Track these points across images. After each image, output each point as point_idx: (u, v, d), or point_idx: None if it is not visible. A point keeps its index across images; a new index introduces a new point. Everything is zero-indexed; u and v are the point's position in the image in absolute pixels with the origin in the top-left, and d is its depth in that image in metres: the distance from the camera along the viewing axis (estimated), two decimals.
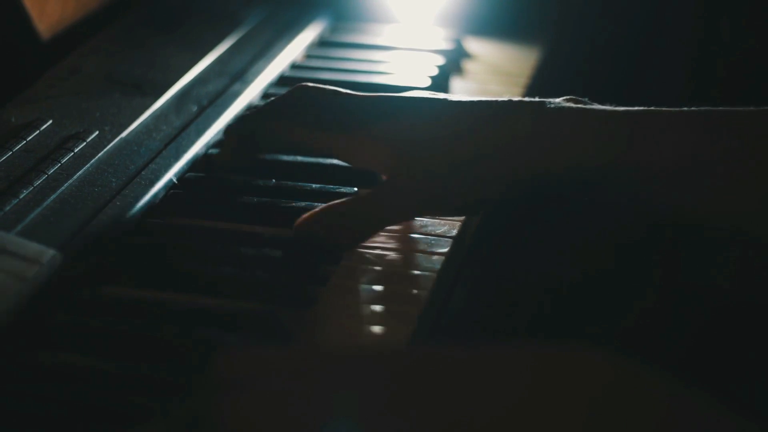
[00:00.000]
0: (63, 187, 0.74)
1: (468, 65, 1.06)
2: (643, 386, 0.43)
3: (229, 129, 0.78)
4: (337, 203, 0.73)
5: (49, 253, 0.65)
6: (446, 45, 1.04)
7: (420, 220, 0.77)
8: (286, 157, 0.82)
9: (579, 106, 0.71)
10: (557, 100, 0.72)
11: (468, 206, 0.73)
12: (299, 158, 0.82)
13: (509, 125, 0.70)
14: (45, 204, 0.71)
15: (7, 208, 0.70)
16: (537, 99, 0.72)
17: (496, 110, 0.72)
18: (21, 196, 0.71)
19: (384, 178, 0.74)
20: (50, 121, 0.81)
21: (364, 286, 0.69)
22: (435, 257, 0.73)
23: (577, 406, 0.42)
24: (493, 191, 0.70)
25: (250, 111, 0.77)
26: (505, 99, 0.72)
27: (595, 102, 0.73)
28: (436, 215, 0.76)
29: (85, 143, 0.79)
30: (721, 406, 0.42)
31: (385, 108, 0.74)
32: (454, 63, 1.04)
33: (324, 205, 0.73)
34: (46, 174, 0.74)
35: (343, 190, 0.78)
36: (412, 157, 0.71)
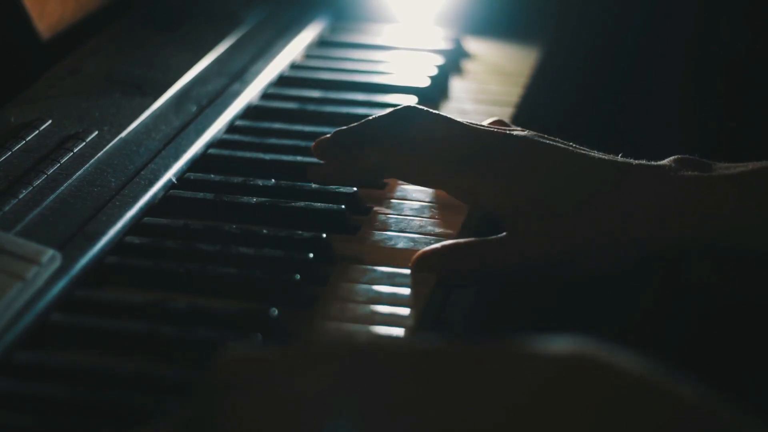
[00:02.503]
0: (62, 187, 0.74)
1: (467, 65, 1.05)
2: (646, 387, 0.43)
3: (333, 146, 0.77)
4: (461, 242, 0.72)
5: (48, 253, 0.65)
6: (446, 45, 1.04)
7: (419, 220, 0.77)
8: (285, 157, 0.82)
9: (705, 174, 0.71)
10: (669, 163, 0.72)
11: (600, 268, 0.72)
12: (299, 158, 0.82)
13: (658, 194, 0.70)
14: (44, 204, 0.71)
15: (7, 208, 0.70)
16: (646, 162, 0.72)
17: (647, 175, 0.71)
18: (20, 196, 0.71)
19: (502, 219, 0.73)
20: (50, 121, 0.81)
21: (364, 286, 0.69)
22: None
23: (581, 407, 0.42)
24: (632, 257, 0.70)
25: (358, 131, 0.76)
26: (637, 163, 0.72)
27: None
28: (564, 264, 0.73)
29: (84, 143, 0.79)
30: (722, 406, 0.42)
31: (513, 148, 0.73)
32: (453, 63, 1.04)
33: (442, 243, 0.72)
34: (46, 174, 0.74)
35: (343, 190, 0.78)
36: (548, 206, 0.71)
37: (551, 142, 0.74)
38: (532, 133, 0.74)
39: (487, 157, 0.73)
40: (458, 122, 0.75)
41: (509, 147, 0.73)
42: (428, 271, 0.71)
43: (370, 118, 0.77)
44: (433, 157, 0.74)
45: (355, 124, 0.77)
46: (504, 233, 0.72)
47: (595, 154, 0.73)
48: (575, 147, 0.74)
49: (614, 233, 0.70)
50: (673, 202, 0.70)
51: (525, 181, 0.72)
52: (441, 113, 0.76)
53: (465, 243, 0.73)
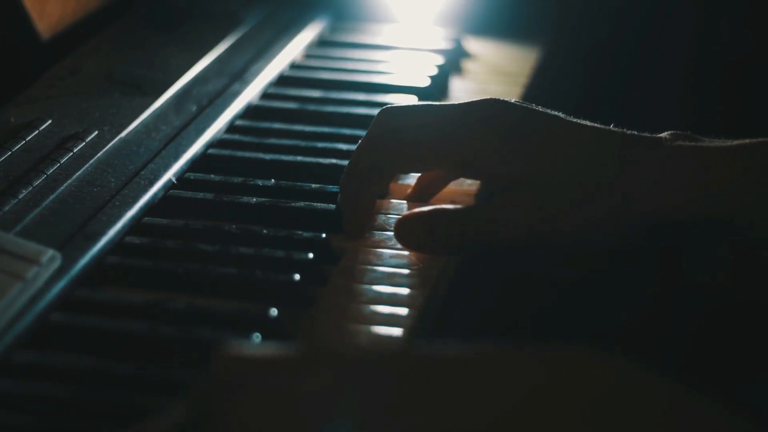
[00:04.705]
0: (62, 187, 0.74)
1: (468, 65, 1.06)
2: (644, 387, 0.43)
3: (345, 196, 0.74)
4: (447, 208, 0.71)
5: (47, 253, 0.65)
6: (446, 45, 1.04)
7: None
8: (285, 157, 0.82)
9: (700, 144, 0.69)
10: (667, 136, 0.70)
11: (582, 241, 0.70)
12: (299, 158, 0.82)
13: (662, 165, 0.69)
14: (44, 204, 0.71)
15: (7, 208, 0.70)
16: (643, 134, 0.70)
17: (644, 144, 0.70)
18: (20, 196, 0.71)
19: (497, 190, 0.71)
20: (50, 121, 0.81)
21: (364, 286, 0.69)
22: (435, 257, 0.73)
23: (578, 407, 0.42)
24: (621, 233, 0.69)
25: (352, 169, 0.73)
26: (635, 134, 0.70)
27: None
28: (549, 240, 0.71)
29: (84, 143, 0.79)
30: (721, 406, 0.42)
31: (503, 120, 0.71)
32: (453, 62, 1.04)
33: (428, 207, 0.71)
34: (46, 174, 0.74)
35: None
36: (541, 172, 0.69)
37: (548, 111, 0.72)
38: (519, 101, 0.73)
39: (481, 124, 0.71)
40: (436, 105, 0.74)
41: (503, 112, 0.71)
42: (409, 235, 0.71)
43: (357, 147, 0.74)
44: (426, 137, 0.72)
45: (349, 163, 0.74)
46: (494, 201, 0.71)
47: (592, 124, 0.71)
48: (570, 117, 0.72)
49: (616, 206, 0.68)
50: (676, 174, 0.68)
51: (521, 148, 0.70)
52: (414, 105, 0.74)
53: (450, 209, 0.71)
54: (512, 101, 0.72)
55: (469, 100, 0.73)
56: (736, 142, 0.69)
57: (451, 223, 0.71)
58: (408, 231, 0.71)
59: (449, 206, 0.72)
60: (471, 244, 0.71)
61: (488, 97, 0.73)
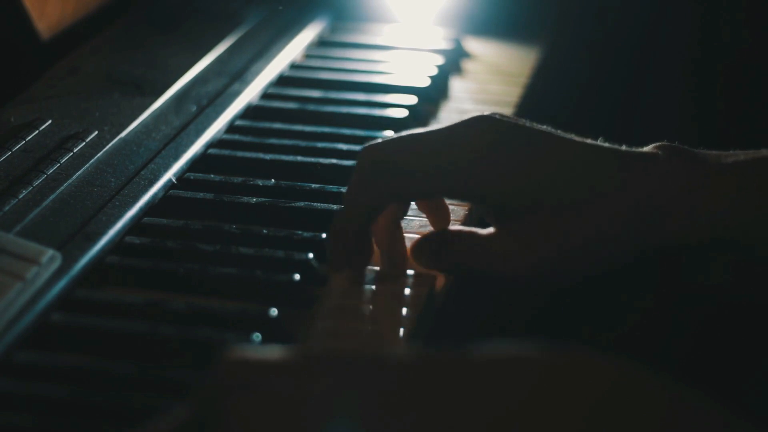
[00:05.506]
0: (62, 187, 0.74)
1: (467, 65, 1.06)
2: (644, 388, 0.43)
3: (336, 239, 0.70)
4: (461, 229, 0.71)
5: (47, 253, 0.65)
6: (446, 45, 1.04)
7: (419, 220, 0.77)
8: (285, 157, 0.82)
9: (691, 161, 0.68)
10: (651, 150, 0.69)
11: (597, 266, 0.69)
12: (299, 158, 0.82)
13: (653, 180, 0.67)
14: (44, 204, 0.71)
15: (7, 208, 0.70)
16: (634, 150, 0.69)
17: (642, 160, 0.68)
18: (20, 196, 0.71)
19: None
20: (49, 121, 0.81)
21: (364, 286, 0.69)
22: None
23: (578, 408, 0.42)
24: (627, 253, 0.68)
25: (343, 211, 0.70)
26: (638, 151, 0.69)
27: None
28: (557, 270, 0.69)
29: (84, 143, 0.79)
30: (721, 407, 0.42)
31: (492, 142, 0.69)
32: (453, 63, 1.04)
33: (432, 234, 0.71)
34: (46, 174, 0.74)
35: (344, 190, 0.78)
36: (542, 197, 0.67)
37: (535, 125, 0.70)
38: (499, 113, 0.71)
39: (468, 140, 0.68)
40: (419, 131, 0.70)
41: (489, 126, 0.69)
42: (421, 259, 0.71)
43: (345, 191, 0.70)
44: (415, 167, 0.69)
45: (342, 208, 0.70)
46: (494, 229, 0.69)
47: (583, 140, 0.69)
48: (562, 133, 0.70)
49: (615, 230, 0.67)
50: (673, 195, 0.67)
51: (509, 161, 0.68)
52: (395, 136, 0.71)
53: (455, 235, 0.70)
54: (497, 116, 0.70)
55: (453, 123, 0.70)
56: (730, 159, 0.68)
57: (454, 255, 0.70)
58: (418, 259, 0.71)
59: (456, 231, 0.71)
60: (478, 270, 0.70)
61: (477, 111, 0.72)
